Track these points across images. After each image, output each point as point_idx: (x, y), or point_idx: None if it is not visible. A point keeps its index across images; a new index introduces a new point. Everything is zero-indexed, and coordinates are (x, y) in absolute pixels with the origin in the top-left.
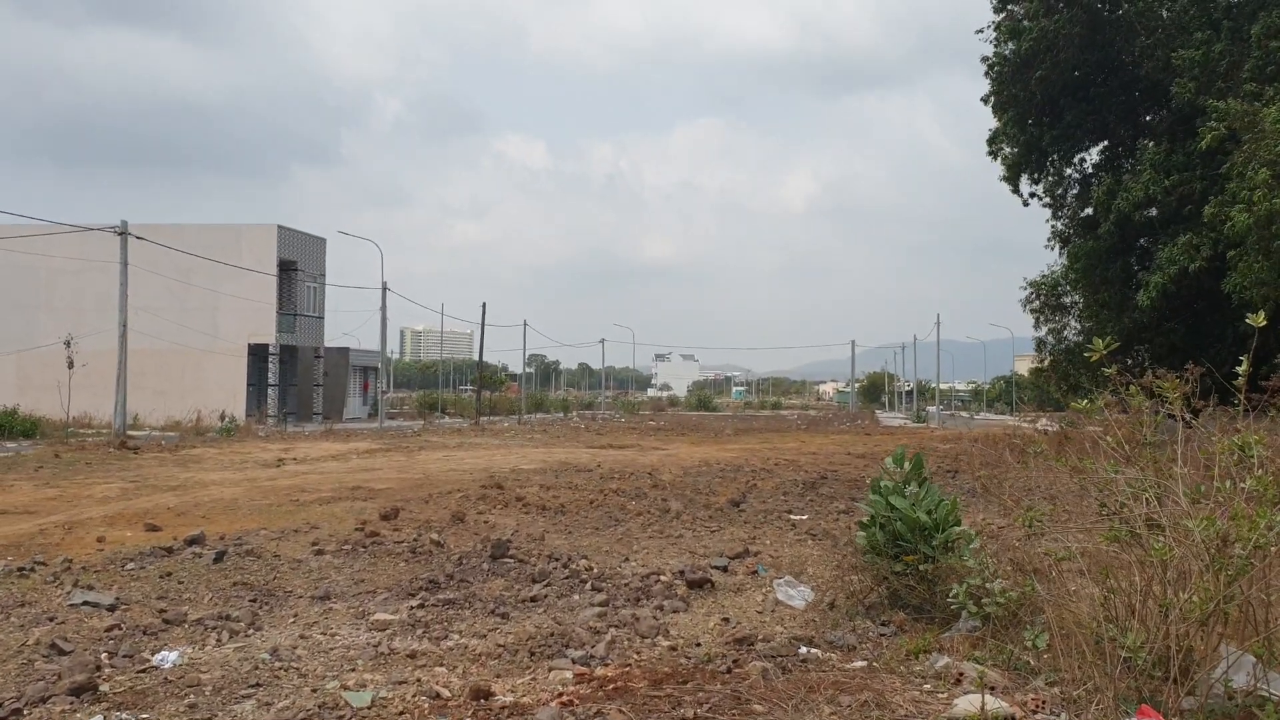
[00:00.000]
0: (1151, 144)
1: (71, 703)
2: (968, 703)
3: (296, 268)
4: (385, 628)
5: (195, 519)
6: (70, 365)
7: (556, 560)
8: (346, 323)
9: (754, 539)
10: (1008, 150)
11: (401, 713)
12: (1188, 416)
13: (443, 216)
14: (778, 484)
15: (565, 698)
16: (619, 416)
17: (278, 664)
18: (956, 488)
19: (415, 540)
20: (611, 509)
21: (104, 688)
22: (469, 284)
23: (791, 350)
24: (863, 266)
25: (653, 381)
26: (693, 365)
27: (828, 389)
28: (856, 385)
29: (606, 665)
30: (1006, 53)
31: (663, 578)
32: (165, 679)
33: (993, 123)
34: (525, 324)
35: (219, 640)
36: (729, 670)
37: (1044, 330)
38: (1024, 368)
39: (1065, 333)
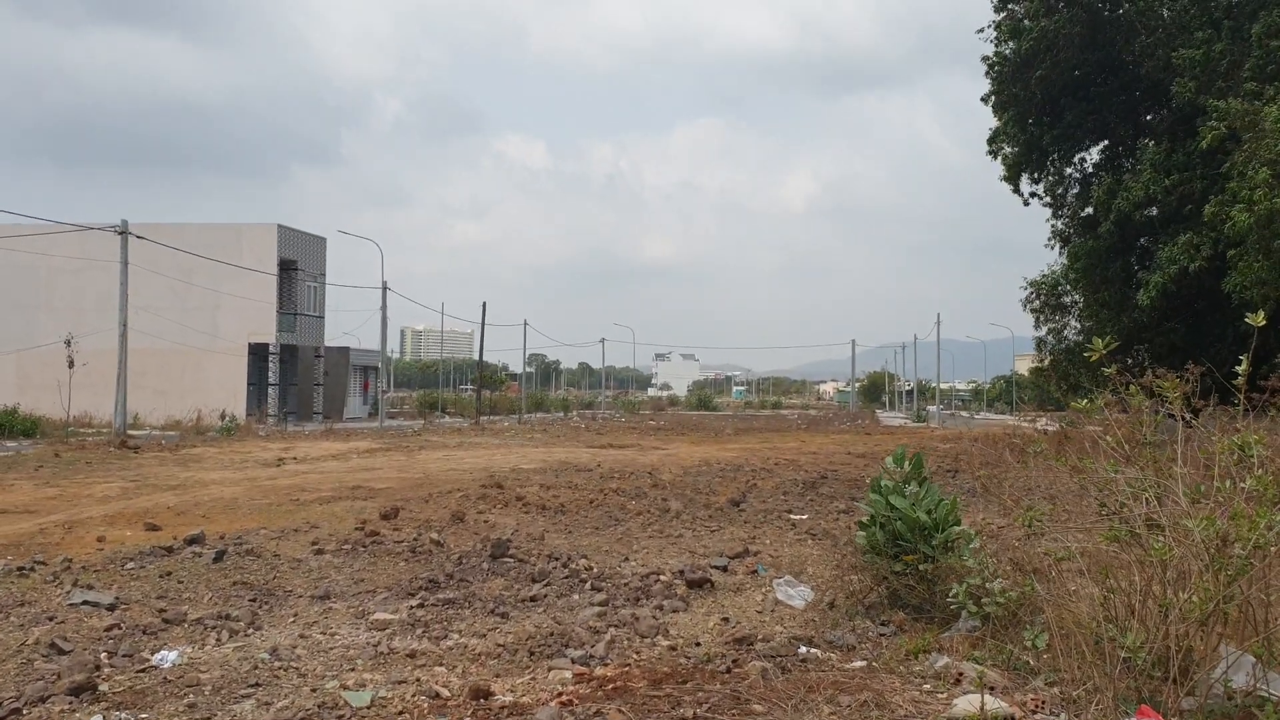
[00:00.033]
0: (1152, 143)
1: (71, 702)
2: (967, 703)
3: (297, 267)
4: (385, 627)
5: (195, 518)
6: (70, 365)
7: (556, 560)
8: (347, 322)
9: (754, 539)
10: (1008, 150)
11: (401, 712)
12: (1188, 416)
13: (443, 216)
14: (778, 483)
15: (565, 697)
16: (619, 416)
17: (277, 664)
18: (956, 487)
19: (415, 540)
20: (611, 508)
21: (103, 687)
22: (469, 284)
23: (792, 350)
24: (863, 266)
25: (653, 381)
26: (693, 365)
27: (828, 389)
28: (857, 385)
29: (606, 665)
30: (1007, 52)
31: (662, 577)
32: (165, 679)
33: (993, 122)
34: (525, 324)
35: (218, 640)
36: (728, 670)
37: (1044, 330)
38: (1024, 367)
39: (1065, 332)
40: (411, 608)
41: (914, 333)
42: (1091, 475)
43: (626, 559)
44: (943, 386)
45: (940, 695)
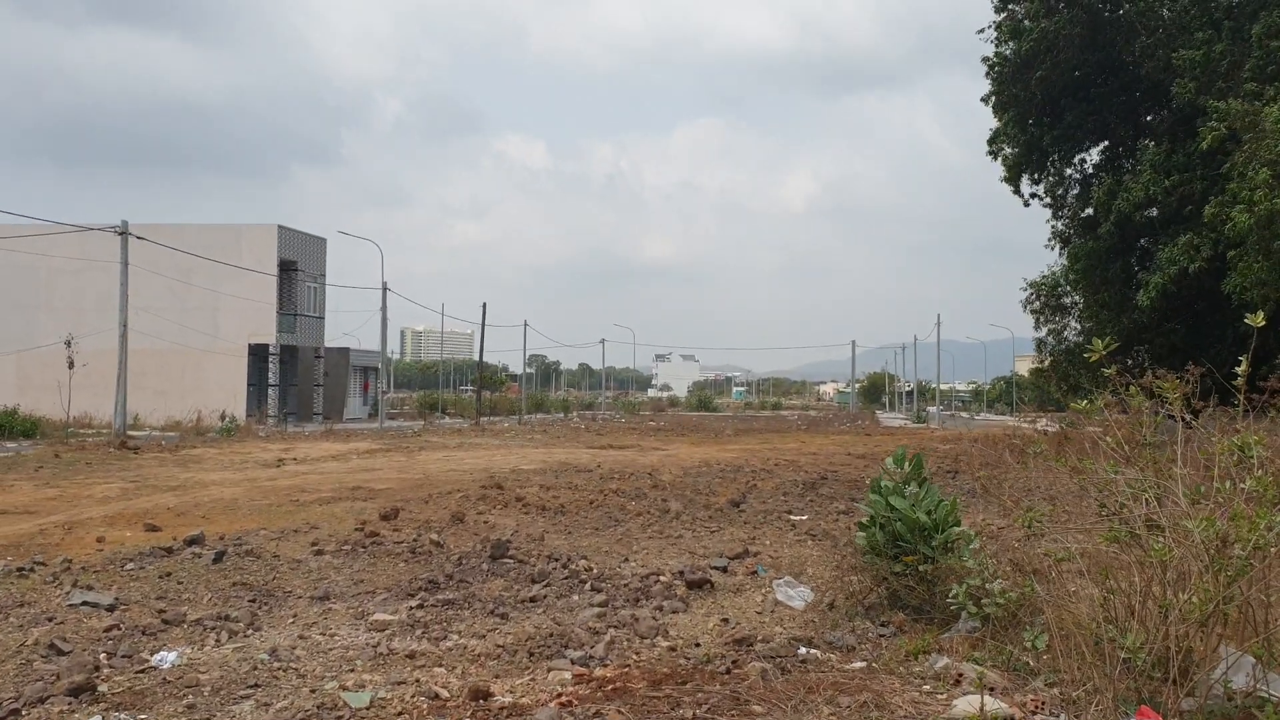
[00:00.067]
0: (1152, 144)
1: (70, 703)
2: (967, 703)
3: (297, 268)
4: (384, 628)
5: (195, 519)
6: (70, 365)
7: (556, 560)
8: (347, 323)
9: (754, 539)
10: (1008, 150)
11: (400, 713)
12: (1187, 417)
13: (443, 216)
14: (778, 484)
15: (564, 698)
16: (619, 417)
17: (276, 664)
18: (956, 488)
19: (415, 540)
20: (611, 509)
21: (102, 688)
22: (469, 284)
23: (792, 350)
24: (863, 266)
25: (653, 382)
26: (693, 365)
27: (828, 389)
28: (857, 386)
29: (605, 666)
30: (1007, 53)
31: (662, 578)
32: (164, 679)
33: (993, 123)
34: (525, 324)
35: (218, 640)
36: (728, 671)
37: (1044, 331)
38: (1024, 368)
39: (1065, 333)
40: (411, 608)
41: (914, 333)
42: (1091, 476)
43: (626, 560)
44: (943, 387)
45: (940, 696)
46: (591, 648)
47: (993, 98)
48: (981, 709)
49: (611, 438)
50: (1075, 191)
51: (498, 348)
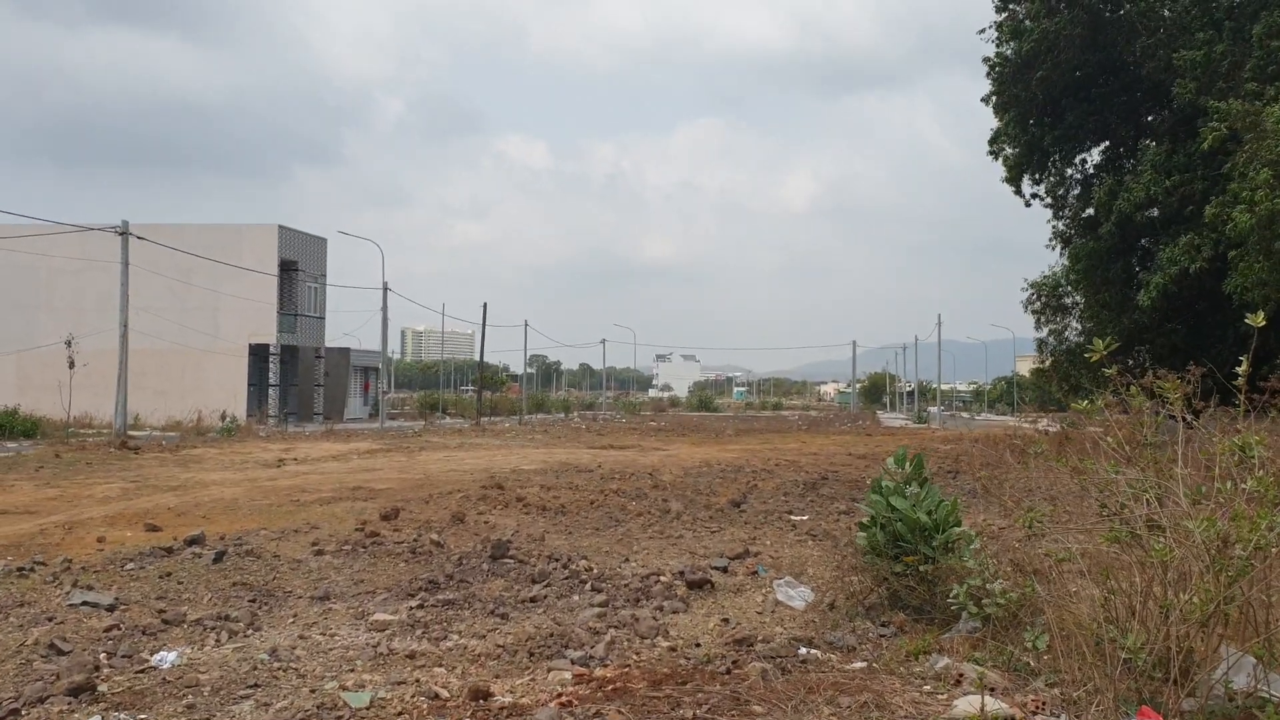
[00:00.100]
0: (1153, 144)
1: (70, 703)
2: (967, 704)
3: (297, 268)
4: (384, 628)
5: (195, 519)
6: (71, 365)
7: (556, 561)
8: (347, 323)
9: (754, 539)
10: (1009, 150)
11: (400, 713)
12: (1188, 417)
13: (443, 216)
14: (778, 484)
15: (564, 698)
16: (620, 417)
17: (276, 664)
18: (957, 488)
19: (415, 540)
20: (612, 509)
21: (102, 688)
22: (469, 284)
23: (792, 350)
24: (863, 266)
25: (654, 382)
26: (694, 366)
27: (829, 389)
28: (857, 386)
29: (606, 666)
30: (1008, 53)
31: (662, 578)
32: (164, 679)
33: (994, 123)
34: (526, 324)
35: (218, 640)
36: (728, 671)
37: (1045, 331)
38: (1025, 368)
39: (1066, 333)
40: (411, 608)
41: (915, 333)
42: (1092, 476)
43: (627, 560)
44: (944, 387)
45: (940, 696)
46: (592, 648)
47: (993, 98)
48: (982, 709)
49: (612, 438)
50: (1076, 192)
51: (498, 348)
